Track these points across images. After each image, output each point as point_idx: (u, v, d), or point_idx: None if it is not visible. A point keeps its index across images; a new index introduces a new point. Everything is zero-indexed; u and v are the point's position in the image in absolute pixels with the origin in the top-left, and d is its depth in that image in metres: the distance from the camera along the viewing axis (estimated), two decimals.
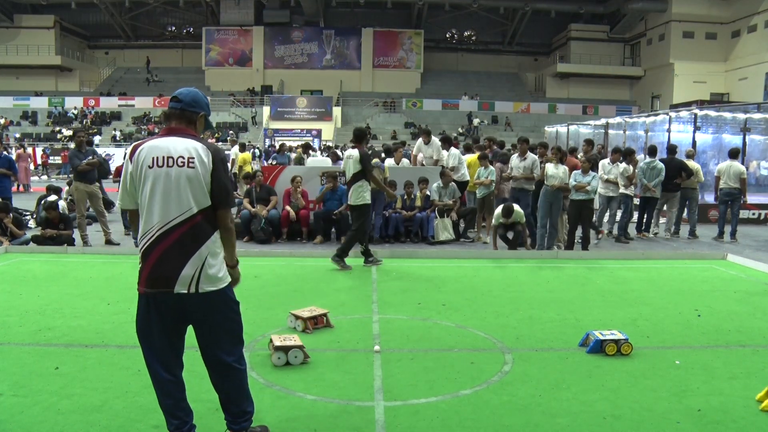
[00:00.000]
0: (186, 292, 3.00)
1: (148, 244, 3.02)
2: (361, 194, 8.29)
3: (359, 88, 46.90)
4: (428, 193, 11.17)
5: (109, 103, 42.99)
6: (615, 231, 11.86)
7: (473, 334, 5.45)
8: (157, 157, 3.02)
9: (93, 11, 46.32)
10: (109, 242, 10.23)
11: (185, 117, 3.16)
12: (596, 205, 11.15)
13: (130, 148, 3.12)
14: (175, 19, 49.32)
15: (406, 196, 11.14)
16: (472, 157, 12.07)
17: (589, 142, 12.47)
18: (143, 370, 2.50)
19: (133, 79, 48.14)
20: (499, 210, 9.66)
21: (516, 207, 9.69)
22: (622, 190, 11.38)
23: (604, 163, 11.48)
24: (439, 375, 4.44)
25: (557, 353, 4.95)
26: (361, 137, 8.53)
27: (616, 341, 4.88)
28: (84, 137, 10.53)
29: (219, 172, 3.07)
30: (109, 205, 13.05)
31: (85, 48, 49.93)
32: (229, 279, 3.17)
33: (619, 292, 7.19)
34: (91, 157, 10.07)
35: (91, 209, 10.54)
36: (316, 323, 5.52)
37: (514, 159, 10.76)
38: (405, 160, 12.48)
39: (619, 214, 11.71)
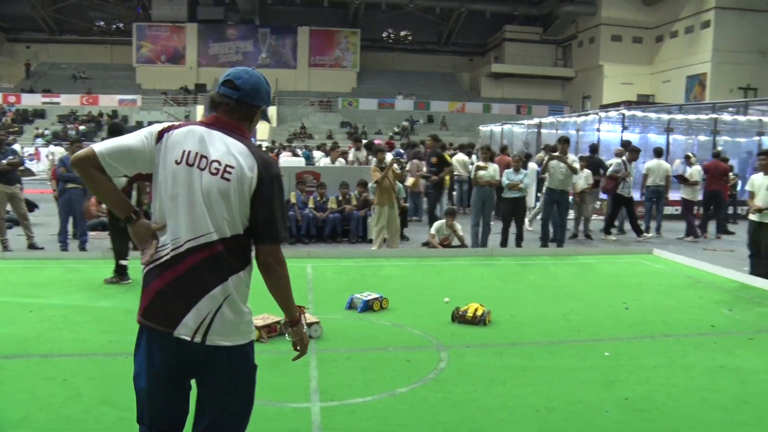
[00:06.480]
0: (189, 339, 2.25)
1: (153, 265, 2.30)
2: None
3: (295, 87, 46.40)
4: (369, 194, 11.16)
5: (31, 101, 40.96)
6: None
7: (409, 333, 5.48)
8: (189, 152, 2.26)
9: (12, 2, 44.01)
10: (32, 246, 9.76)
11: (240, 111, 2.36)
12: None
13: (158, 128, 2.34)
14: (103, 14, 47.55)
15: (341, 197, 11.10)
16: None
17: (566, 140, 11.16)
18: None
19: (58, 76, 46.08)
20: (440, 223, 10.06)
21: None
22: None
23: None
24: (376, 374, 4.44)
25: (492, 349, 5.04)
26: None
27: (377, 299, 6.18)
28: (3, 136, 10.03)
29: (266, 195, 2.28)
30: (32, 206, 12.45)
31: (4, 41, 47.45)
32: (252, 335, 2.43)
33: (552, 287, 7.38)
34: (11, 157, 9.59)
35: (11, 212, 10.04)
36: (270, 332, 5.21)
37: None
38: (341, 160, 12.46)
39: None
